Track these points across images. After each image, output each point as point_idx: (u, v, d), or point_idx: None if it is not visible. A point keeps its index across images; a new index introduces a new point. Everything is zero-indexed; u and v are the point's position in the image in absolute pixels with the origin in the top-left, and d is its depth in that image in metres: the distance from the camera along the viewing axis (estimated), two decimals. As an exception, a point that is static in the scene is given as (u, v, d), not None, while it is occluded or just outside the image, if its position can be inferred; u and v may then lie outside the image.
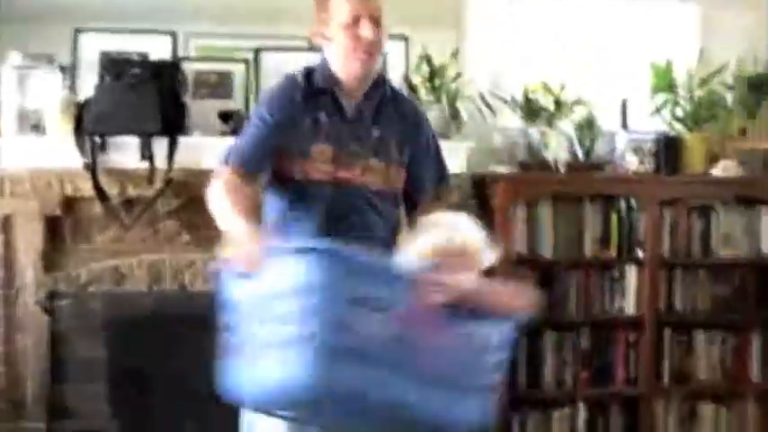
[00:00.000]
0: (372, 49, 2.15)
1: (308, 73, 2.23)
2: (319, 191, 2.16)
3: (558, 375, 3.75)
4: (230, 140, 3.22)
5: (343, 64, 2.18)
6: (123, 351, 3.40)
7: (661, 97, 3.88)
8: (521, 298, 1.98)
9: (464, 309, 1.85)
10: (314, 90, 2.20)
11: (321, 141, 2.16)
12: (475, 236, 1.98)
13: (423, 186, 2.31)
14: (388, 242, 2.13)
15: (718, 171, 3.76)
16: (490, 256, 1.99)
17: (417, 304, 1.79)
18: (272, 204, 2.24)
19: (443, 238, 1.93)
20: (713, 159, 3.81)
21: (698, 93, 3.85)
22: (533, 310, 1.98)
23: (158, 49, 3.61)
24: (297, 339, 1.72)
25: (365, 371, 1.72)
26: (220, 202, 2.10)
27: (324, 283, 1.72)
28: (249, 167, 2.16)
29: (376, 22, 2.13)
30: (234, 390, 1.86)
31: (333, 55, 2.19)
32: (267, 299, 1.80)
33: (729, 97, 3.92)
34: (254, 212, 2.11)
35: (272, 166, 2.19)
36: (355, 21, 2.12)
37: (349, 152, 2.18)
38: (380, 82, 2.27)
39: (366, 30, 2.12)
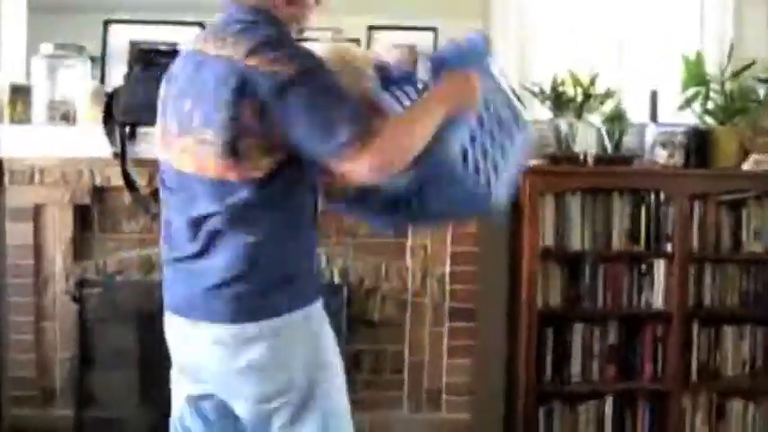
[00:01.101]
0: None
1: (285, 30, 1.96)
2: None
3: (586, 369, 3.73)
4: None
5: (295, 21, 1.99)
6: (152, 340, 3.41)
7: (692, 90, 3.84)
8: None
9: None
10: None
11: None
12: None
13: None
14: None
15: (748, 165, 3.72)
16: None
17: None
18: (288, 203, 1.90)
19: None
20: (744, 153, 3.77)
21: (729, 86, 3.81)
22: None
23: (187, 40, 3.60)
24: None
25: None
26: (408, 120, 1.90)
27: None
28: None
29: None
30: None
31: (289, 15, 1.96)
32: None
33: (761, 90, 3.87)
34: None
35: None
36: None
37: None
38: None
39: None
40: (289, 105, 1.76)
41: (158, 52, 3.43)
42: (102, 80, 3.57)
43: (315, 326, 1.95)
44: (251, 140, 1.79)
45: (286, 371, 1.88)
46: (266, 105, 1.77)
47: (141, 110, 3.28)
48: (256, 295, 1.86)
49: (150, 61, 3.35)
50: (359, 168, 1.77)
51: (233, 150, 1.80)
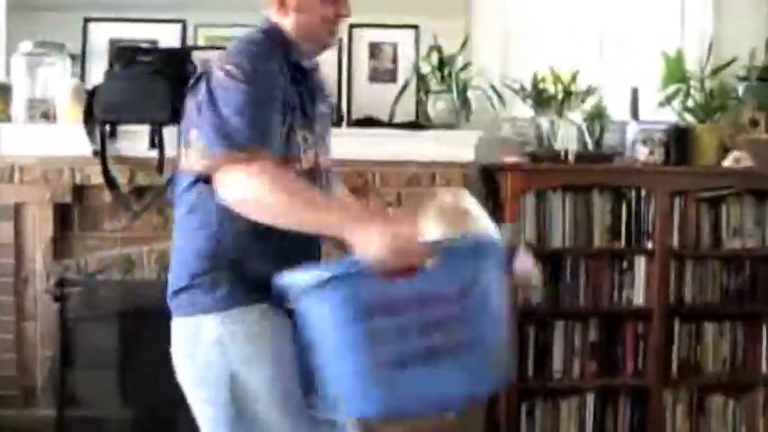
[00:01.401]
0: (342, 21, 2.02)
1: (280, 42, 1.96)
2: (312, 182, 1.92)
3: (567, 366, 3.74)
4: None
5: (311, 37, 1.98)
6: (133, 339, 3.41)
7: (672, 87, 3.86)
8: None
9: None
10: (290, 61, 1.94)
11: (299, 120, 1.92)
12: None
13: None
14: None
15: (728, 162, 3.74)
16: None
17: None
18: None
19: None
20: (724, 150, 3.79)
21: (709, 83, 3.83)
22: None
23: (167, 38, 3.61)
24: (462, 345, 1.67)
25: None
26: (290, 189, 1.74)
27: (494, 278, 1.71)
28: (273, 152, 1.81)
29: None
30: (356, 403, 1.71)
31: (299, 25, 1.96)
32: (421, 302, 1.65)
33: (741, 88, 3.89)
34: None
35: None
36: None
37: (317, 133, 1.99)
38: None
39: (345, 7, 2.00)
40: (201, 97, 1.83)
41: (139, 50, 3.42)
42: (83, 78, 3.55)
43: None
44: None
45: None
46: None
47: (122, 108, 3.28)
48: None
49: (131, 59, 3.35)
50: (216, 180, 1.77)
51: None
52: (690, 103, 3.86)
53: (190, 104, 1.91)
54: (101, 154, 3.28)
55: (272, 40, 1.94)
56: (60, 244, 3.42)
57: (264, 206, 1.73)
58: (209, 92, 1.81)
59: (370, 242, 1.66)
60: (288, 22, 1.97)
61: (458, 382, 1.71)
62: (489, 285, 1.73)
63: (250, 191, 1.73)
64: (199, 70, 1.93)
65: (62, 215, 3.42)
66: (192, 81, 1.92)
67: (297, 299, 1.70)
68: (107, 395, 3.40)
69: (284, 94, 1.86)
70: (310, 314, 1.70)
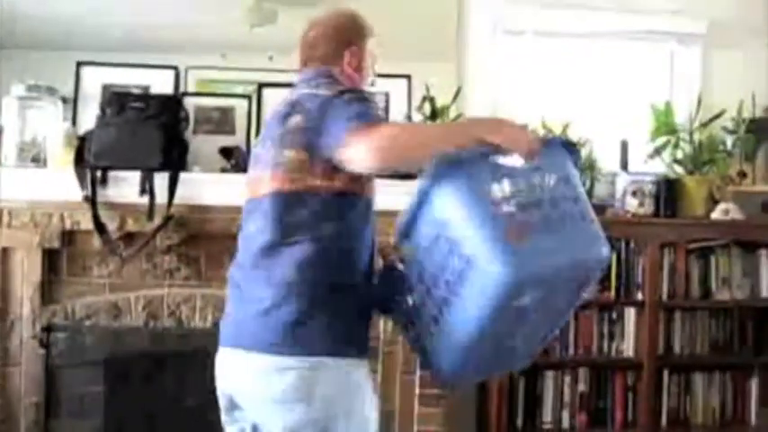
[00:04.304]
0: None
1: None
2: (370, 211, 2.13)
3: (557, 416, 3.73)
4: (231, 177, 3.30)
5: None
6: (119, 387, 3.37)
7: (661, 139, 3.89)
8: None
9: None
10: None
11: None
12: None
13: None
14: None
15: (717, 214, 3.76)
16: None
17: None
18: (338, 221, 2.02)
19: None
20: (713, 202, 3.82)
21: (698, 135, 3.86)
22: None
23: (160, 83, 3.62)
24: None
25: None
26: (417, 130, 2.11)
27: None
28: None
29: None
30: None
31: (354, 82, 2.21)
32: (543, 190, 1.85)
33: (729, 140, 3.93)
34: None
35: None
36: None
37: None
38: None
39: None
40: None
41: (131, 96, 3.43)
42: (74, 122, 3.55)
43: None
44: None
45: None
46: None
47: (113, 154, 3.28)
48: None
49: (123, 105, 3.35)
50: (354, 153, 1.89)
51: None
52: (679, 154, 3.89)
53: (280, 131, 2.02)
54: (91, 199, 3.27)
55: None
56: (48, 289, 3.39)
57: (406, 145, 1.89)
58: (328, 106, 1.98)
59: (500, 132, 1.88)
60: (344, 79, 2.20)
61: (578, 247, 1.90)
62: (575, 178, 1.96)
63: (391, 140, 1.88)
64: (288, 105, 2.07)
65: (50, 260, 3.39)
66: (283, 110, 2.06)
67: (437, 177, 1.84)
68: (92, 444, 3.35)
69: None
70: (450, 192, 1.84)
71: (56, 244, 3.35)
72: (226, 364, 2.05)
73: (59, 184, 3.31)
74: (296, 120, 2.00)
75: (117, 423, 3.34)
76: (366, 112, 1.95)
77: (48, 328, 3.36)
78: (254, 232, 2.03)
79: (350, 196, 2.01)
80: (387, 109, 3.62)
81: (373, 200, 2.11)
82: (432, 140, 1.90)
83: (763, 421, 3.87)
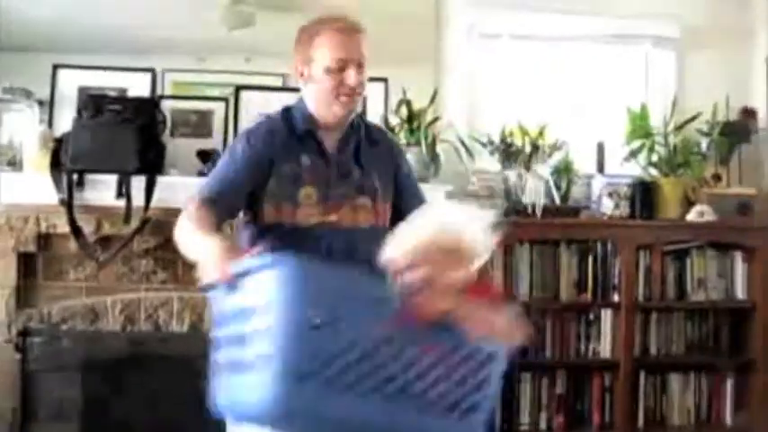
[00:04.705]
0: (355, 93, 2.11)
1: (287, 115, 2.18)
2: (310, 236, 2.07)
3: (534, 418, 3.74)
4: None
5: (324, 105, 2.13)
6: (95, 392, 3.35)
7: (636, 142, 3.92)
8: (510, 328, 1.72)
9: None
10: (295, 133, 2.15)
11: (306, 185, 2.09)
12: (470, 226, 1.70)
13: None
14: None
15: (692, 216, 3.80)
16: (488, 247, 1.70)
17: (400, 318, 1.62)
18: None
19: (432, 231, 1.68)
20: (688, 204, 3.85)
21: (673, 138, 3.90)
22: (519, 343, 1.72)
23: (137, 86, 3.60)
24: (260, 360, 1.59)
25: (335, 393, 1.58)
26: (185, 229, 1.96)
27: (289, 298, 1.58)
28: (219, 204, 2.04)
29: (360, 66, 2.09)
30: (219, 406, 1.75)
31: (312, 95, 2.14)
32: (238, 316, 1.68)
33: (704, 143, 3.97)
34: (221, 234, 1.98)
35: (253, 213, 2.13)
36: (340, 66, 2.07)
37: (335, 193, 2.12)
38: (358, 119, 2.23)
39: (351, 77, 2.08)
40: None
41: (107, 99, 3.41)
42: (50, 125, 3.52)
43: None
44: None
45: None
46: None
47: (90, 157, 3.26)
48: None
49: (99, 108, 3.33)
50: None
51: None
52: (654, 157, 3.92)
53: None
54: (67, 202, 3.25)
55: (282, 116, 2.18)
56: (24, 293, 3.36)
57: (177, 239, 1.98)
58: None
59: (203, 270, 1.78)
60: (306, 93, 2.17)
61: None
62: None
63: (177, 228, 1.99)
64: None
65: (26, 264, 3.37)
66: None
67: None
68: (69, 449, 3.33)
69: (264, 159, 2.10)
70: None
71: (31, 247, 3.33)
72: None
73: (35, 188, 3.29)
74: None
75: (94, 427, 3.32)
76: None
77: (24, 333, 3.34)
78: None
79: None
80: (364, 112, 3.63)
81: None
82: (184, 248, 1.95)
83: (738, 422, 3.90)
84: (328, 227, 2.09)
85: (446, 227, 1.69)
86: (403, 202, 2.23)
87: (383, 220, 2.19)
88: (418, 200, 2.25)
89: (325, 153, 2.15)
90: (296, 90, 3.57)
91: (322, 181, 2.11)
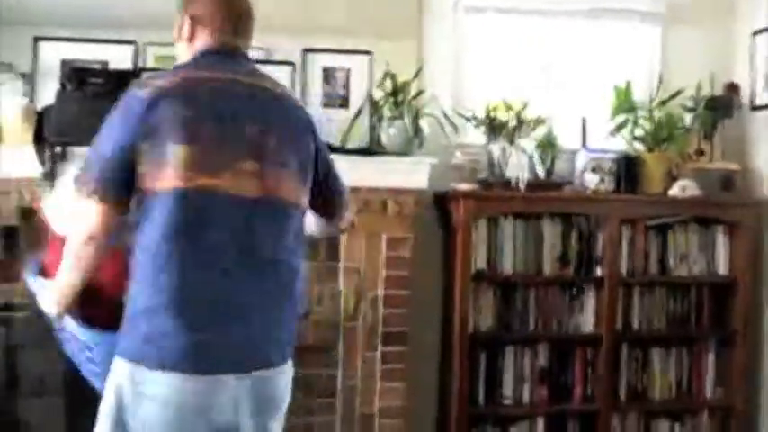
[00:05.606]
0: None
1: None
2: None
3: (517, 391, 3.77)
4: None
5: None
6: (79, 365, 3.35)
7: (621, 117, 3.93)
8: None
9: None
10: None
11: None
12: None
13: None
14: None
15: (675, 191, 3.81)
16: None
17: None
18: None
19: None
20: (671, 179, 3.87)
21: (657, 113, 3.90)
22: None
23: (119, 59, 3.57)
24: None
25: None
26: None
27: None
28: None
29: None
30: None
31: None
32: None
33: (688, 118, 3.98)
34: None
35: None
36: None
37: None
38: None
39: None
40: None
41: (90, 71, 3.38)
42: (32, 98, 3.49)
43: None
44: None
45: None
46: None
47: (73, 130, 3.23)
48: None
49: (82, 80, 3.30)
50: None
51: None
52: (638, 132, 3.93)
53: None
54: (50, 176, 3.23)
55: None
56: (7, 267, 3.35)
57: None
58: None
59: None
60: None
61: None
62: None
63: None
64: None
65: (8, 237, 3.35)
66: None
67: None
68: (51, 423, 3.33)
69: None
70: None
71: (13, 221, 3.31)
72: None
73: (17, 161, 3.26)
74: None
75: (77, 402, 3.31)
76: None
77: (6, 307, 3.33)
78: None
79: None
80: (347, 85, 3.62)
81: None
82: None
83: (718, 395, 3.94)
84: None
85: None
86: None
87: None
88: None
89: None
90: (281, 63, 3.59)
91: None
